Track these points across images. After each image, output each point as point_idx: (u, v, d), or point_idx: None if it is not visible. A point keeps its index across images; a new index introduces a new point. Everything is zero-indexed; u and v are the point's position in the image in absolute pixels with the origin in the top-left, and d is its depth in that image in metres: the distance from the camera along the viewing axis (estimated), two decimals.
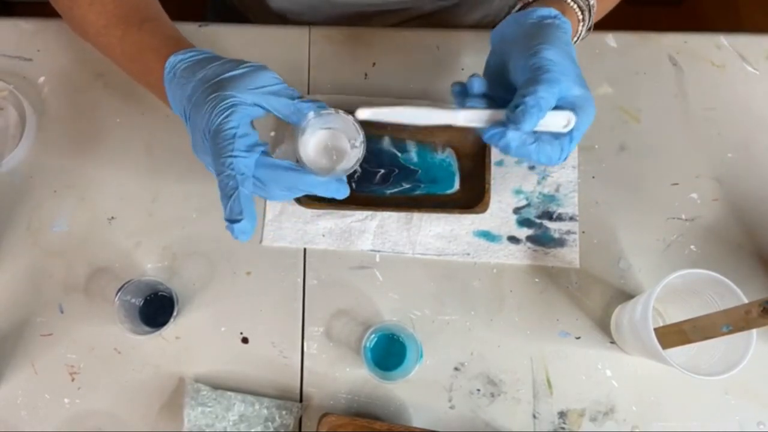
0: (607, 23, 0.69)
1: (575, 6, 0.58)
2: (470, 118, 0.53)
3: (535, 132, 0.52)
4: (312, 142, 0.56)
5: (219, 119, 0.51)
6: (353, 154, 0.55)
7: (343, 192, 0.55)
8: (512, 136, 0.51)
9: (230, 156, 0.50)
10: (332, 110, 0.54)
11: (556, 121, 0.52)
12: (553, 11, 0.55)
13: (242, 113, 0.51)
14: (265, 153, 0.53)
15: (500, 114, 0.52)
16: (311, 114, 0.53)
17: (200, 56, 0.57)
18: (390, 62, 0.77)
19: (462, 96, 0.56)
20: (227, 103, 0.51)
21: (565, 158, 0.54)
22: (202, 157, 0.54)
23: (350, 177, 0.72)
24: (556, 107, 0.52)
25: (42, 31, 0.77)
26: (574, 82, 0.51)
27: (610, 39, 0.77)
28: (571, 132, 0.52)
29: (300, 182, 0.53)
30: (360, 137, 0.54)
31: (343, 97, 0.75)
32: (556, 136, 0.53)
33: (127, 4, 0.62)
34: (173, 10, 0.69)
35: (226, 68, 0.54)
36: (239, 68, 0.54)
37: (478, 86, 0.54)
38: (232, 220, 0.50)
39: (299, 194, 0.55)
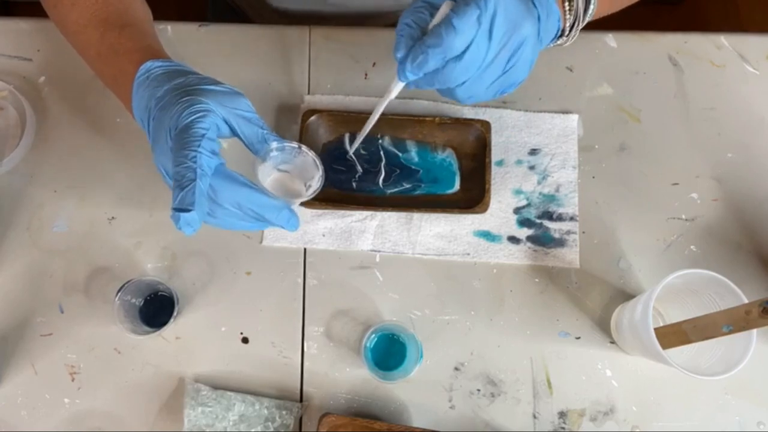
0: (607, 23, 0.69)
1: None
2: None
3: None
4: (269, 178, 0.56)
5: (190, 118, 0.49)
6: (308, 192, 0.55)
7: (293, 224, 0.53)
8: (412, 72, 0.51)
9: (195, 151, 0.48)
10: (295, 144, 0.54)
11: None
12: None
13: (213, 120, 0.50)
14: (223, 166, 0.51)
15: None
16: (274, 144, 0.53)
17: (179, 67, 0.56)
18: (390, 62, 0.77)
19: None
20: (201, 107, 0.50)
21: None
22: (160, 157, 0.52)
23: (352, 177, 0.72)
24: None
25: (42, 31, 0.77)
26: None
27: (610, 39, 0.77)
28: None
29: (253, 200, 0.51)
30: (319, 173, 0.55)
31: (343, 98, 0.75)
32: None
33: (109, 7, 0.62)
34: (173, 10, 0.69)
35: (205, 82, 0.53)
36: (218, 86, 0.53)
37: (399, 54, 0.53)
38: (180, 209, 0.46)
39: (248, 219, 0.52)
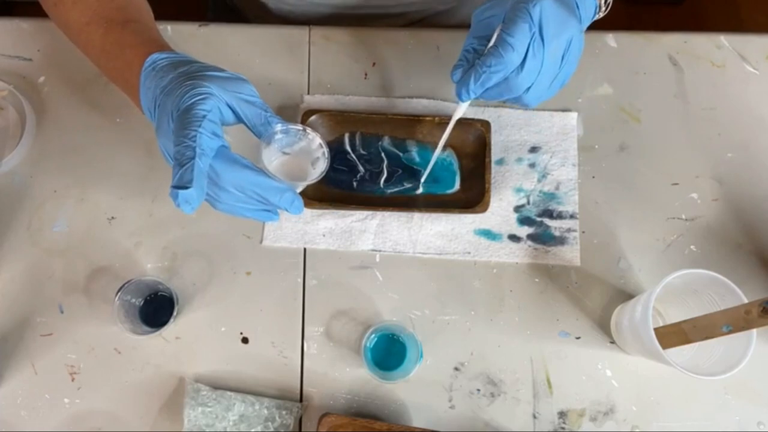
0: (607, 23, 0.69)
1: None
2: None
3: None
4: (274, 162, 0.55)
5: (192, 100, 0.50)
6: (314, 174, 0.55)
7: (297, 207, 0.53)
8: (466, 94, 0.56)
9: (195, 130, 0.48)
10: (300, 126, 0.54)
11: None
12: None
13: (215, 103, 0.50)
14: (226, 149, 0.51)
15: None
16: (278, 126, 0.53)
17: (183, 57, 0.57)
18: (390, 62, 0.77)
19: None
20: (203, 90, 0.50)
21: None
22: (162, 140, 0.52)
23: (352, 177, 0.72)
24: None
25: (42, 31, 0.77)
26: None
27: (610, 39, 0.77)
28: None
29: (255, 183, 0.51)
30: (324, 155, 0.55)
31: (343, 97, 0.75)
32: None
33: (111, 4, 0.62)
34: (173, 10, 0.69)
35: (209, 69, 0.54)
36: (221, 72, 0.54)
37: (457, 76, 0.58)
38: (179, 186, 0.46)
39: (250, 202, 0.52)
